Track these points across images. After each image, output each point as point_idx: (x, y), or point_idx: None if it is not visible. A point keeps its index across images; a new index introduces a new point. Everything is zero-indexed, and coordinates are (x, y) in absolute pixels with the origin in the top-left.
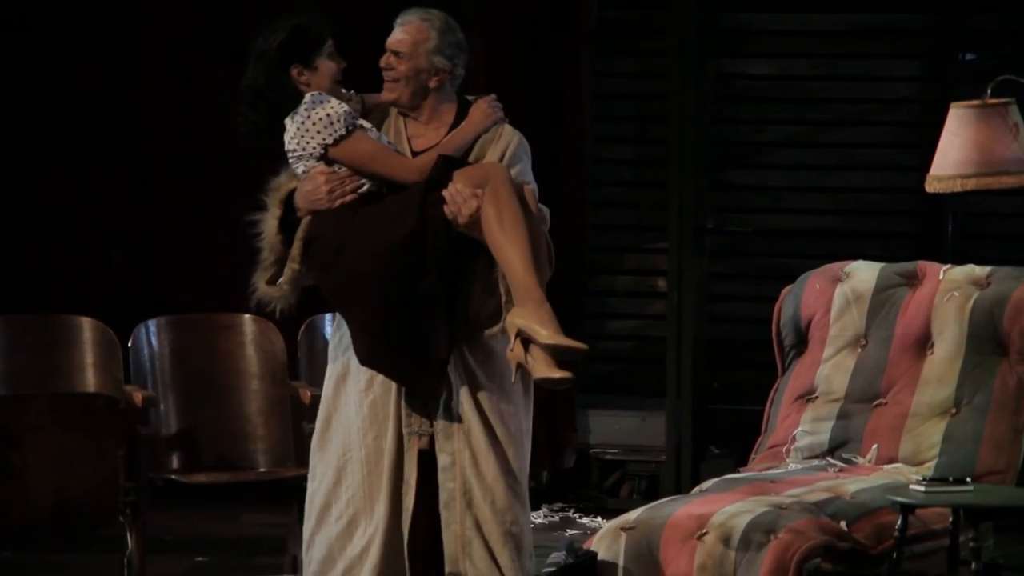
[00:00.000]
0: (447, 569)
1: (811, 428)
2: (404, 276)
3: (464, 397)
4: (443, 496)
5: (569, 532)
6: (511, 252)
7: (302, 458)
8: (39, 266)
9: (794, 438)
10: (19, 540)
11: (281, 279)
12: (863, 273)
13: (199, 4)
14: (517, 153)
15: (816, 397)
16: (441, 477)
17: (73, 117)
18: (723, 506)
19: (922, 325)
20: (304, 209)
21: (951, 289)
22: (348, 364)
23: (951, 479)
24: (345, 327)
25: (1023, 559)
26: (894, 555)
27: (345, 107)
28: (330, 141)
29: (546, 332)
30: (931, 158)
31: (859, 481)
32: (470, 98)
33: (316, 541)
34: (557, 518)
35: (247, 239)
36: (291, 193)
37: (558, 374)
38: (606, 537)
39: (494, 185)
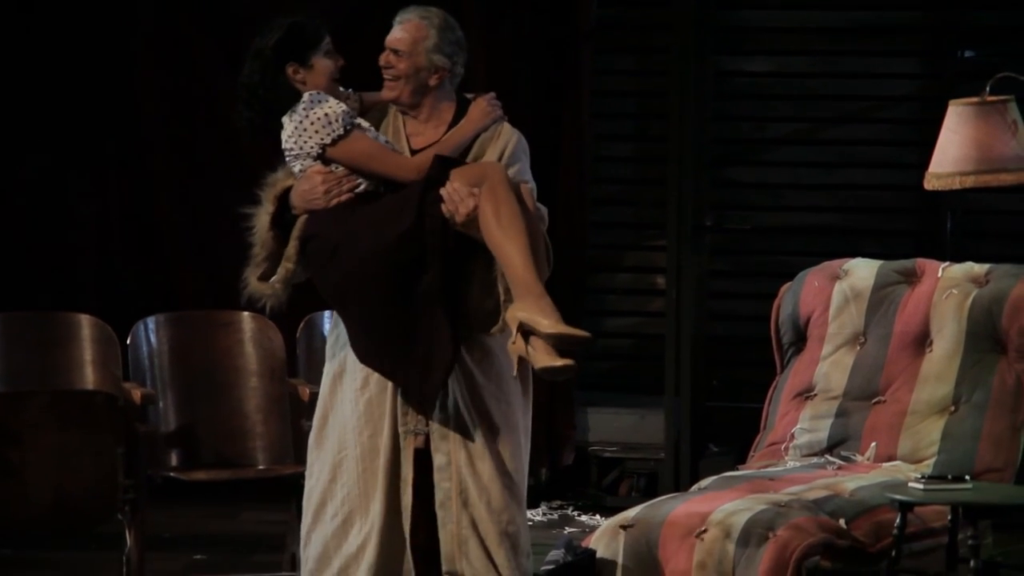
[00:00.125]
0: (444, 568)
1: (810, 426)
2: (402, 275)
3: (461, 396)
4: (439, 496)
5: (568, 530)
6: (510, 248)
7: (301, 455)
8: (38, 263)
9: (793, 436)
10: (18, 537)
11: (274, 278)
12: (862, 271)
13: (199, 3)
14: (516, 152)
15: (815, 395)
16: (437, 476)
17: (72, 114)
18: (722, 504)
19: (921, 323)
20: (300, 208)
21: (950, 287)
22: (345, 362)
23: (950, 477)
24: (342, 325)
25: (1022, 557)
26: (893, 553)
27: (343, 107)
28: (328, 141)
29: (548, 322)
30: (930, 155)
31: (858, 479)
32: (469, 96)
33: (312, 539)
34: (556, 516)
35: (246, 236)
36: (286, 190)
37: (560, 362)
38: (605, 535)
39: (491, 183)
